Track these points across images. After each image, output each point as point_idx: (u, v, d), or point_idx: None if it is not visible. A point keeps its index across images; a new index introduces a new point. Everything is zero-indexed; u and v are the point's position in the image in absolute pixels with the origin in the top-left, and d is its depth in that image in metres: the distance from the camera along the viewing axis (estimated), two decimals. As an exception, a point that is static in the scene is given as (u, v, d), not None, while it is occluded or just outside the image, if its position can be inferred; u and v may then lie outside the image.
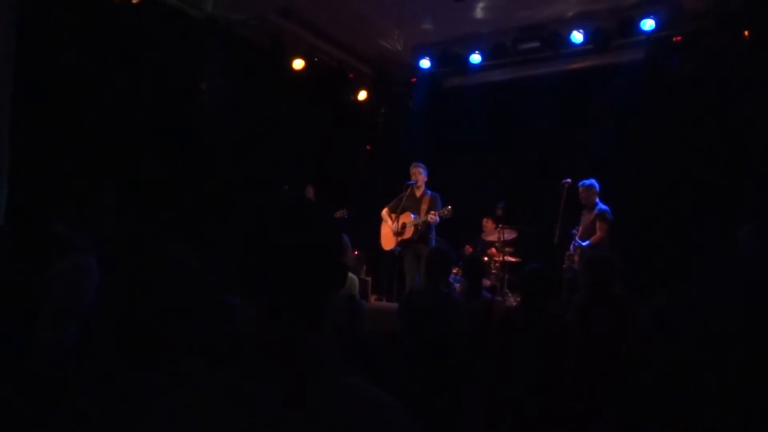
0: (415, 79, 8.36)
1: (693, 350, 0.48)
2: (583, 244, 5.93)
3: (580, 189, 6.02)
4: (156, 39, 5.80)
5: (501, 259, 6.83)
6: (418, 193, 6.23)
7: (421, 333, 3.56)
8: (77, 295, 2.06)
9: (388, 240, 6.37)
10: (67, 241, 2.15)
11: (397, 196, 6.31)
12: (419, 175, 6.19)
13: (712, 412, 0.47)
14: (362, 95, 8.22)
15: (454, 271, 6.43)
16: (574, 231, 6.08)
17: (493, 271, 7.00)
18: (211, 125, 6.51)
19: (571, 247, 6.06)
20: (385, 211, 6.39)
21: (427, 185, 6.27)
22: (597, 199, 5.96)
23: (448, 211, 5.93)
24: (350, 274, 3.67)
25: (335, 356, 0.95)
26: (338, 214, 6.90)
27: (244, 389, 0.90)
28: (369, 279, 7.38)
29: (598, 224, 5.81)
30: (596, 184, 6.00)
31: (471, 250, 7.54)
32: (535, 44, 7.07)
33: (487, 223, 7.37)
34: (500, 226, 6.81)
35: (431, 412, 3.24)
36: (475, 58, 7.39)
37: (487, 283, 6.70)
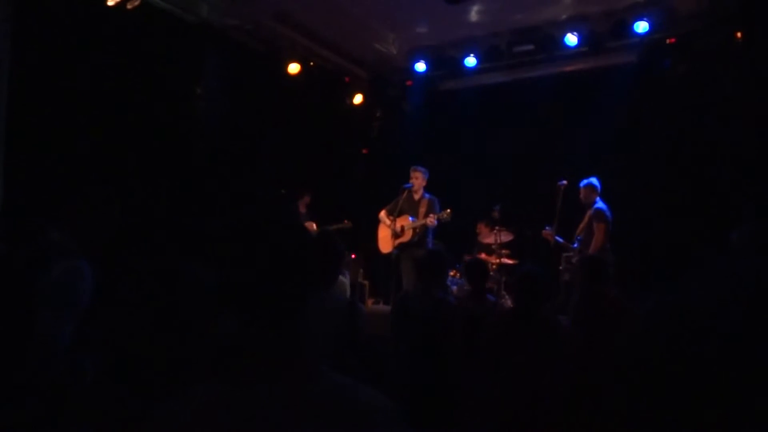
0: (410, 83, 8.37)
1: (686, 351, 0.49)
2: (573, 245, 5.95)
3: (581, 189, 5.96)
4: (151, 44, 5.80)
5: (498, 261, 6.84)
6: (416, 197, 6.23)
7: (414, 336, 3.53)
8: (72, 298, 2.11)
9: (385, 243, 6.37)
10: (60, 246, 2.18)
11: (394, 198, 6.32)
12: (417, 178, 6.18)
13: (706, 413, 0.48)
14: (358, 99, 8.24)
15: (452, 273, 6.44)
16: (548, 228, 6.06)
17: (490, 274, 7.01)
18: (206, 130, 6.51)
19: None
20: (382, 213, 6.39)
21: (424, 188, 6.27)
22: (597, 198, 5.86)
23: (447, 215, 5.92)
24: (340, 278, 3.66)
25: (323, 358, 0.97)
26: (344, 224, 6.94)
27: (233, 394, 0.92)
28: (366, 282, 7.38)
29: (594, 224, 5.71)
30: (596, 183, 5.92)
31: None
32: (529, 47, 7.10)
33: (483, 226, 7.38)
34: (496, 228, 6.82)
35: (427, 414, 3.24)
36: (470, 61, 7.42)
37: (483, 285, 6.70)
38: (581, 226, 5.96)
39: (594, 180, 5.93)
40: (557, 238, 6.06)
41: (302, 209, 7.24)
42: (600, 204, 5.82)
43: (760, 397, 0.50)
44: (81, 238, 2.26)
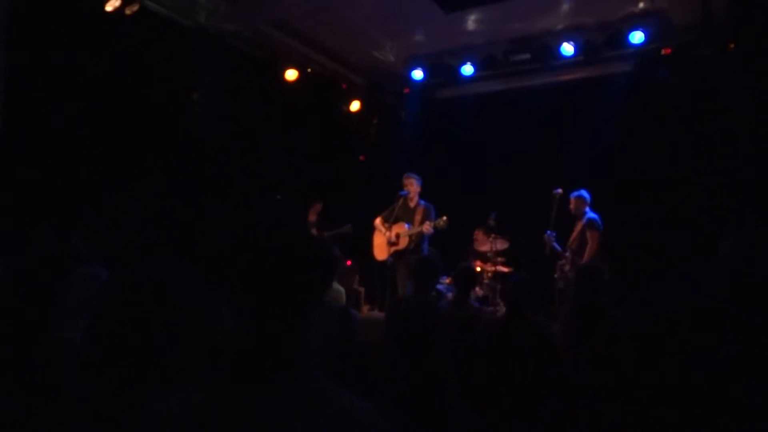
0: (407, 90, 8.41)
1: (660, 354, 0.50)
2: (566, 254, 6.01)
3: (571, 200, 6.07)
4: (149, 50, 5.82)
5: (493, 269, 6.85)
6: (411, 204, 6.24)
7: (407, 342, 3.55)
8: (89, 303, 2.20)
9: (381, 250, 6.37)
10: (78, 252, 2.28)
11: (390, 206, 6.33)
12: (412, 185, 6.20)
13: (690, 419, 0.48)
14: (355, 106, 8.26)
15: (447, 280, 6.45)
16: (548, 233, 6.11)
17: (485, 281, 7.02)
18: (203, 136, 6.52)
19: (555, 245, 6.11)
20: (378, 221, 6.39)
21: (420, 196, 6.29)
22: (587, 209, 5.99)
23: (443, 222, 5.93)
24: (337, 286, 3.68)
25: (315, 365, 0.98)
26: (343, 229, 6.98)
27: (221, 395, 0.93)
28: (362, 289, 7.37)
29: (588, 234, 5.81)
30: (586, 195, 6.05)
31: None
32: (526, 56, 7.15)
33: (479, 234, 7.39)
34: (492, 236, 6.83)
35: (420, 421, 3.24)
36: (467, 69, 7.46)
37: (479, 293, 6.71)
38: (573, 236, 6.04)
39: (584, 192, 6.05)
40: (554, 244, 6.11)
41: (312, 217, 7.23)
42: (592, 214, 5.93)
43: (732, 398, 0.51)
44: (98, 244, 2.35)
